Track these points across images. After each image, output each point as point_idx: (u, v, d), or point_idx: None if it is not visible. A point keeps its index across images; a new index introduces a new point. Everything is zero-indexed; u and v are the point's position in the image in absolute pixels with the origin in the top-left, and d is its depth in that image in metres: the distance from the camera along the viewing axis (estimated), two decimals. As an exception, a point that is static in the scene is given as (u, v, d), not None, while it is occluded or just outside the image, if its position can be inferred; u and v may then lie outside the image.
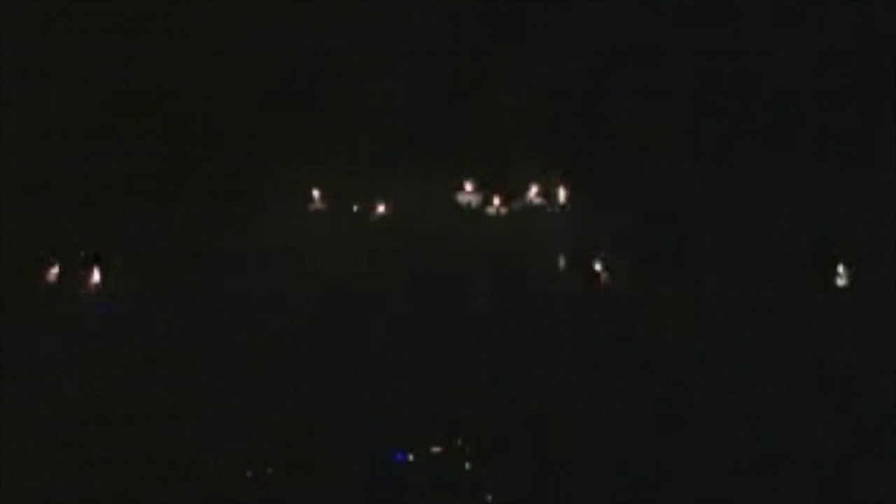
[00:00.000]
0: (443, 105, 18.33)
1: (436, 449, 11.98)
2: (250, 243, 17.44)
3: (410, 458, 11.77)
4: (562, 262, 17.29)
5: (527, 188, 18.19)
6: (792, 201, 17.76)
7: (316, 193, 18.39)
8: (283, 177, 17.33)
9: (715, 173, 17.89)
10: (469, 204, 18.29)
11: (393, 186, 18.38)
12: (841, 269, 16.62)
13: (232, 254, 17.55)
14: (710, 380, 14.71)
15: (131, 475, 11.47)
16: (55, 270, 16.91)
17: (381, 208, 18.17)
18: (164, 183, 18.60)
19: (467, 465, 11.53)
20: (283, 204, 17.81)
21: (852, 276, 16.42)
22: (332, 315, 14.85)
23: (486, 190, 18.40)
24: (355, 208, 18.31)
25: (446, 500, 10.91)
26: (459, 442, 12.15)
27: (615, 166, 17.79)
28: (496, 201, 18.21)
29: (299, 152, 17.48)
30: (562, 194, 18.24)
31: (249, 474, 11.31)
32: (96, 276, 16.89)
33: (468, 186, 18.37)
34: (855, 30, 18.06)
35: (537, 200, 18.19)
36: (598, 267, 16.08)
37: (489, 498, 10.69)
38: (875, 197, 16.65)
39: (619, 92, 18.37)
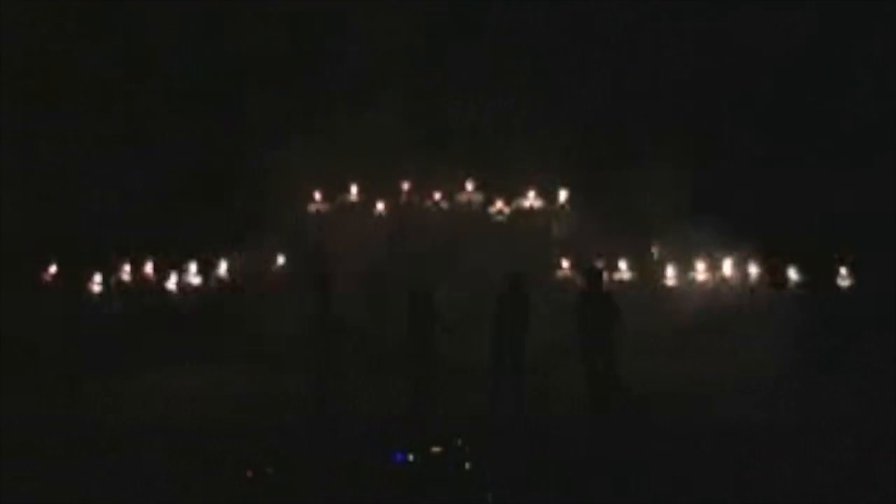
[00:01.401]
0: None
1: (436, 449, 11.95)
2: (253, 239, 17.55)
3: (410, 458, 11.74)
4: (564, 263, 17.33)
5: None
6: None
7: (318, 195, 18.48)
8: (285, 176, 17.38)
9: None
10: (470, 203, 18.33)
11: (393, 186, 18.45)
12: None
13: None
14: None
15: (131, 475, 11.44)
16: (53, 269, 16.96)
17: (380, 206, 18.27)
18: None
19: (467, 465, 11.50)
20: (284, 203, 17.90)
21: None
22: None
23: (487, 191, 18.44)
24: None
25: (446, 500, 10.87)
26: (459, 442, 12.13)
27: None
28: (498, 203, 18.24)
29: (303, 152, 17.56)
30: (562, 195, 18.25)
31: (249, 474, 11.28)
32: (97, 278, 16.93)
33: (469, 186, 18.43)
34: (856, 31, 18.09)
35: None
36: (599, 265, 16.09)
37: (489, 498, 10.65)
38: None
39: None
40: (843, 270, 16.67)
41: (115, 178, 18.83)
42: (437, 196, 18.29)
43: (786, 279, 16.72)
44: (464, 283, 15.90)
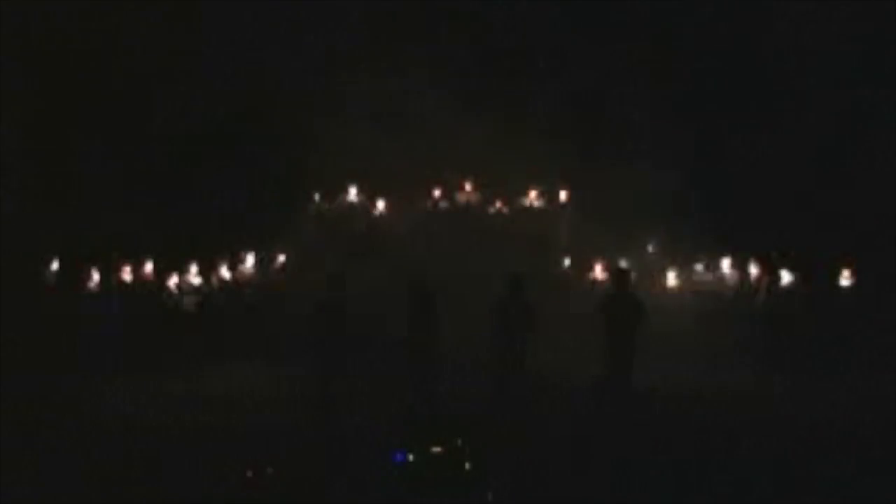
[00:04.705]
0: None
1: (436, 449, 11.95)
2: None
3: (410, 458, 11.74)
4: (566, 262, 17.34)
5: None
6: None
7: (317, 196, 18.51)
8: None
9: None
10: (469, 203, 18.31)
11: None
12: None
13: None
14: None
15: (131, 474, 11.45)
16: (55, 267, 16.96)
17: (380, 204, 18.27)
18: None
19: (467, 465, 11.50)
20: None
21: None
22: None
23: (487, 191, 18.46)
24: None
25: (446, 500, 10.88)
26: (459, 442, 12.12)
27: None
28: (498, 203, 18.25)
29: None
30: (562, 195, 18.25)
31: (249, 474, 11.28)
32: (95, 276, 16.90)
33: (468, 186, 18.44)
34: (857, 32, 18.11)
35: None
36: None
37: (489, 498, 10.66)
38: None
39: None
40: (843, 270, 16.64)
41: (114, 176, 18.84)
42: (437, 195, 18.31)
43: (784, 279, 16.73)
44: (465, 282, 15.92)
